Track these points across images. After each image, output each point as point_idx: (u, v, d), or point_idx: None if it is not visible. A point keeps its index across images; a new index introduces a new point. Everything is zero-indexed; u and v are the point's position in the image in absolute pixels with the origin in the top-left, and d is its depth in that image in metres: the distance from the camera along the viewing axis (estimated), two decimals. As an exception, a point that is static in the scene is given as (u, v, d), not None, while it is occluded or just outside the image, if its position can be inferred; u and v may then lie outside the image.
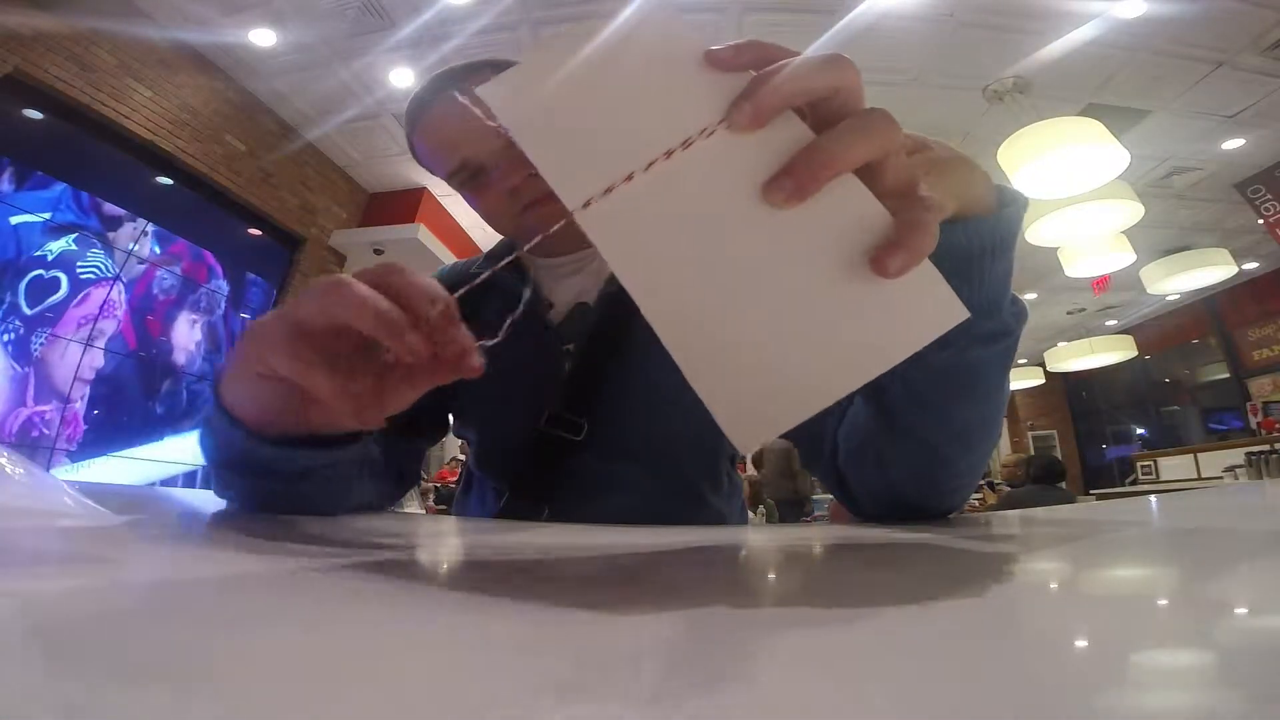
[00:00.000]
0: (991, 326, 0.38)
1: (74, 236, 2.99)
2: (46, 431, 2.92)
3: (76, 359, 3.02)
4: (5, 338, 2.76)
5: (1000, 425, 0.45)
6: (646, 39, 0.27)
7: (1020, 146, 3.01)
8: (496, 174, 0.62)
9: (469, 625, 0.17)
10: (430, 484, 4.42)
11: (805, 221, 0.24)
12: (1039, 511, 0.57)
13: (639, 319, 0.24)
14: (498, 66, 0.66)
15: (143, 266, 3.32)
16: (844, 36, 2.89)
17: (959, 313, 0.24)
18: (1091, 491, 6.71)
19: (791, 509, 4.30)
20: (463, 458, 3.02)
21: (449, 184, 0.66)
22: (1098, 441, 8.83)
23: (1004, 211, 0.36)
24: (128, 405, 3.31)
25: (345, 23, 2.96)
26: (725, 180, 0.24)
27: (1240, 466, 4.99)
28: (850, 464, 0.49)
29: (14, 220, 2.76)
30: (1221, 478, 5.06)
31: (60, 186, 2.94)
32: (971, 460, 0.44)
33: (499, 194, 0.63)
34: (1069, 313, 7.04)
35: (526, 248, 0.30)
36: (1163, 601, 0.22)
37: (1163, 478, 5.86)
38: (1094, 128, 2.91)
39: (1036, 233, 3.64)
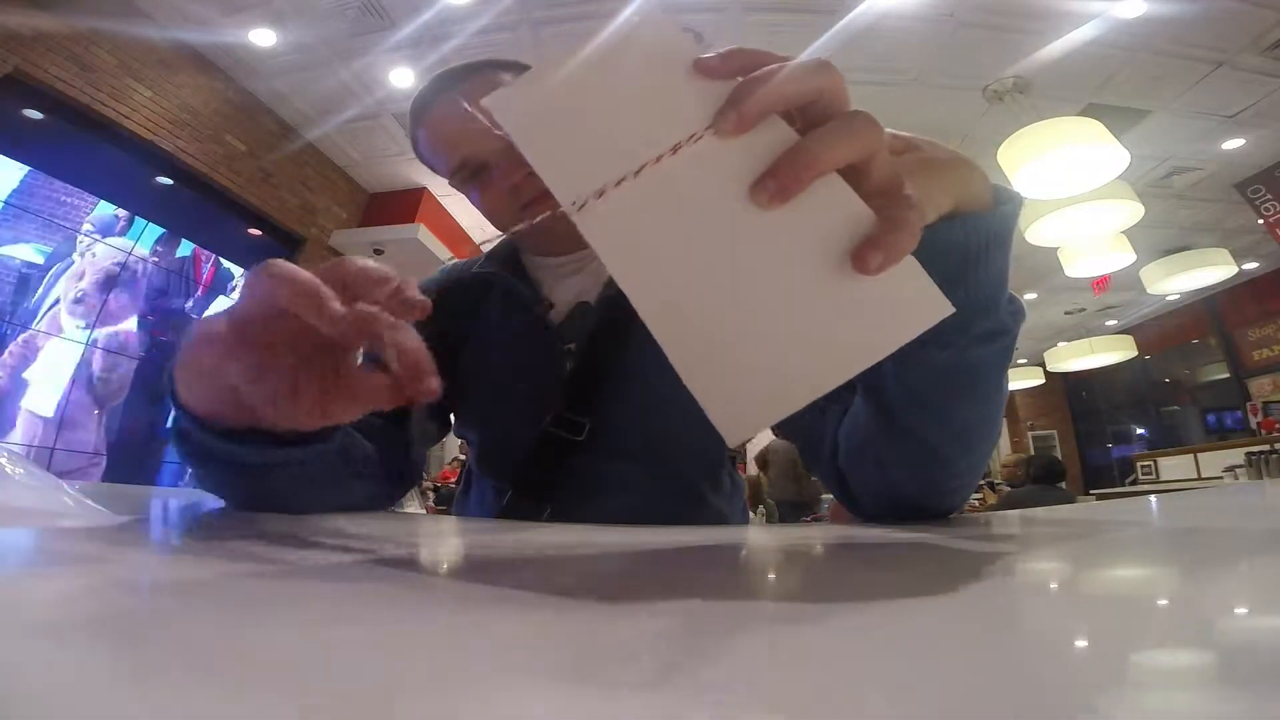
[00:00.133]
0: (989, 325, 0.39)
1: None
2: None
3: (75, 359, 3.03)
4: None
5: (1000, 425, 0.45)
6: (642, 45, 0.28)
7: (1020, 146, 3.01)
8: (497, 172, 0.63)
9: (470, 625, 0.17)
10: (430, 484, 4.42)
11: (792, 221, 0.25)
12: (1039, 511, 0.57)
13: (639, 319, 0.24)
14: (499, 66, 0.66)
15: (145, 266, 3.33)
16: (844, 36, 2.89)
17: (943, 308, 0.24)
18: (1091, 491, 6.71)
19: (794, 511, 4.30)
20: (463, 458, 3.03)
21: (451, 182, 0.67)
22: (1098, 441, 8.83)
23: (1000, 209, 0.36)
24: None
25: (345, 23, 2.96)
26: (714, 183, 0.25)
27: (1240, 466, 4.99)
28: (850, 464, 0.49)
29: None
30: (1221, 478, 5.06)
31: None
32: (971, 460, 0.44)
33: (500, 192, 0.63)
34: (1069, 313, 7.03)
35: (515, 230, 0.30)
36: (1163, 601, 0.22)
37: (1163, 478, 5.86)
38: (1094, 128, 2.91)
39: (1036, 233, 3.63)
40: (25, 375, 2.86)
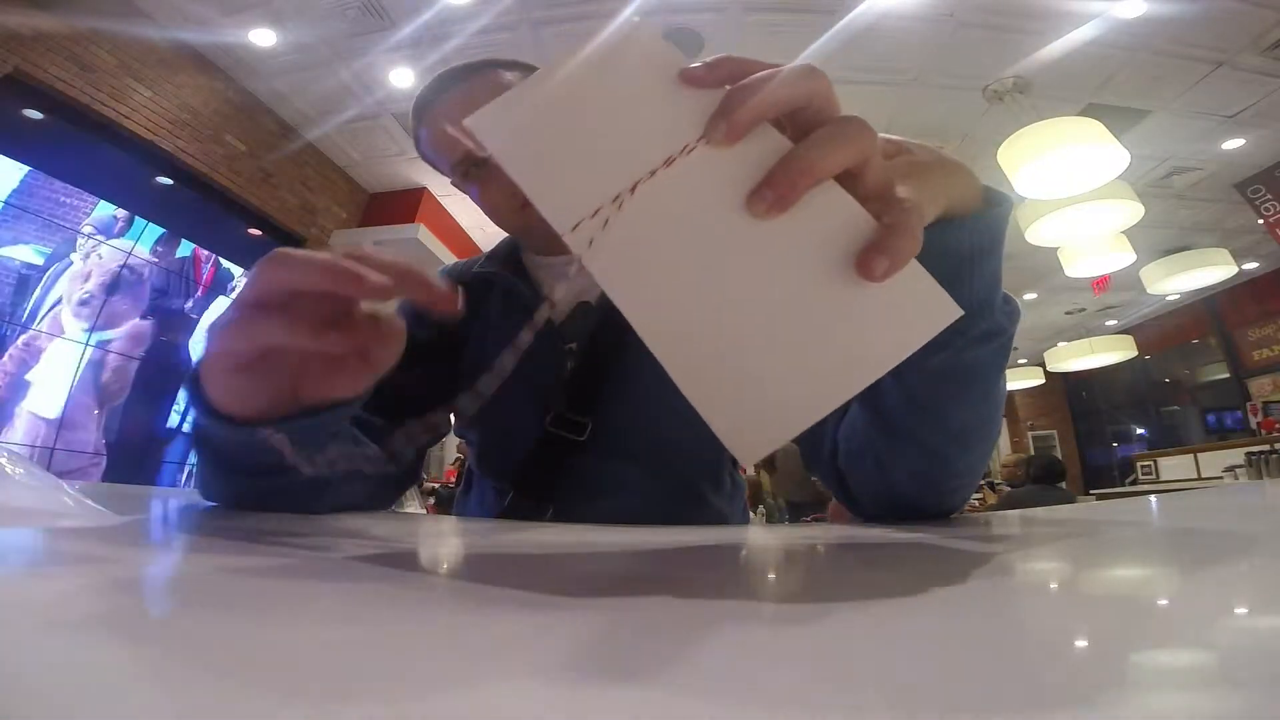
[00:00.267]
0: (985, 326, 0.39)
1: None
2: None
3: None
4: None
5: (998, 425, 0.45)
6: (626, 57, 0.27)
7: (1020, 147, 3.01)
8: (497, 170, 0.63)
9: (470, 625, 0.17)
10: (430, 484, 4.42)
11: (791, 231, 0.24)
12: (1039, 511, 0.57)
13: None
14: (500, 66, 0.67)
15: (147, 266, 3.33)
16: (844, 37, 2.89)
17: (952, 311, 0.23)
18: (1091, 491, 6.71)
19: (808, 512, 4.26)
20: (463, 457, 3.02)
21: (451, 180, 0.68)
22: (1098, 441, 8.83)
23: (992, 210, 0.36)
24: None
25: (345, 23, 2.96)
26: (709, 195, 0.25)
27: (1240, 466, 4.99)
28: (850, 464, 0.49)
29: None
30: (1221, 478, 5.06)
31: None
32: (970, 461, 0.44)
33: (499, 189, 0.64)
34: (1069, 313, 7.03)
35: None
36: (1163, 601, 0.22)
37: (1163, 478, 5.86)
38: (1094, 128, 2.91)
39: (1036, 233, 3.63)
40: (28, 377, 2.86)
